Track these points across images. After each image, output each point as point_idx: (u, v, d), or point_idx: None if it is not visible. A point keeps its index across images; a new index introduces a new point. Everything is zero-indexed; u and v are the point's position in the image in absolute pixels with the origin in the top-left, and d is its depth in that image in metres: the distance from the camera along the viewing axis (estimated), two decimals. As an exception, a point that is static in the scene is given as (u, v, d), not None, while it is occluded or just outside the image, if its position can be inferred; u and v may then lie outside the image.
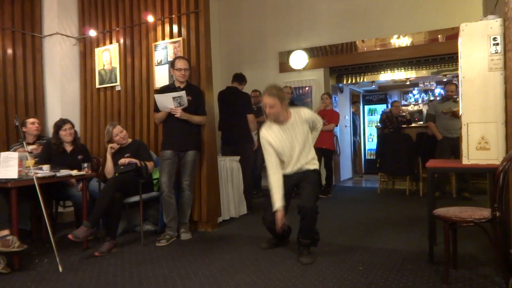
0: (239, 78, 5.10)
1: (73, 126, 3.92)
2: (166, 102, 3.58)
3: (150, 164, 3.76)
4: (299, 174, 3.11)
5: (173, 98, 3.53)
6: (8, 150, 4.00)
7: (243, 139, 4.91)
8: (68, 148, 3.88)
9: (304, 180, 3.08)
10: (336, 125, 5.98)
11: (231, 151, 4.85)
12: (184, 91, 3.57)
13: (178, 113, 3.57)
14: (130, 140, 3.93)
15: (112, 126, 3.81)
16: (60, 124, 3.84)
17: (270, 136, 3.07)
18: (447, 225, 2.39)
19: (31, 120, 4.10)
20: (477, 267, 2.65)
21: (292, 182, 3.12)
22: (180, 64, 3.66)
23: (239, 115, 4.88)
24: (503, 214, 2.32)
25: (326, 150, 5.79)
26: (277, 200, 2.94)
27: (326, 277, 2.57)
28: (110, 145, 3.79)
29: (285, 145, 3.06)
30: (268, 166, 3.07)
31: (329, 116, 5.75)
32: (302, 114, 3.09)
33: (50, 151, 3.80)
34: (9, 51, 4.52)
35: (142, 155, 3.77)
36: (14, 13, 4.56)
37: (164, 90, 3.79)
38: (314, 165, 3.18)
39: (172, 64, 3.72)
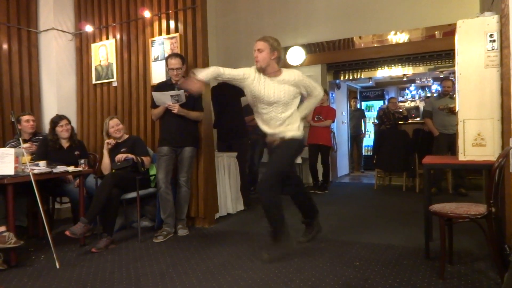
0: None
1: (69, 122, 3.90)
2: (164, 99, 3.57)
3: (146, 159, 3.76)
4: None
5: (171, 96, 3.53)
6: (4, 146, 3.98)
7: (238, 134, 4.88)
8: (65, 144, 3.87)
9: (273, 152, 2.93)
10: (333, 121, 5.98)
11: (226, 146, 4.84)
12: (182, 90, 3.56)
13: (176, 109, 3.57)
14: (126, 136, 3.93)
15: (109, 119, 3.86)
16: (56, 120, 3.83)
17: (253, 77, 2.89)
18: (443, 221, 2.40)
19: (25, 117, 4.06)
20: (472, 263, 2.67)
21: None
22: (172, 63, 3.61)
23: (233, 110, 4.86)
24: (498, 210, 2.34)
25: (323, 146, 5.81)
26: (203, 73, 2.78)
27: (323, 273, 2.58)
28: (106, 140, 3.78)
29: (265, 92, 2.88)
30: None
31: (326, 112, 5.76)
32: (293, 76, 2.92)
33: (47, 147, 3.78)
34: (5, 46, 4.48)
35: (139, 150, 3.77)
36: (9, 8, 4.51)
37: (161, 86, 3.78)
38: (292, 131, 2.92)
39: (166, 62, 3.70)
